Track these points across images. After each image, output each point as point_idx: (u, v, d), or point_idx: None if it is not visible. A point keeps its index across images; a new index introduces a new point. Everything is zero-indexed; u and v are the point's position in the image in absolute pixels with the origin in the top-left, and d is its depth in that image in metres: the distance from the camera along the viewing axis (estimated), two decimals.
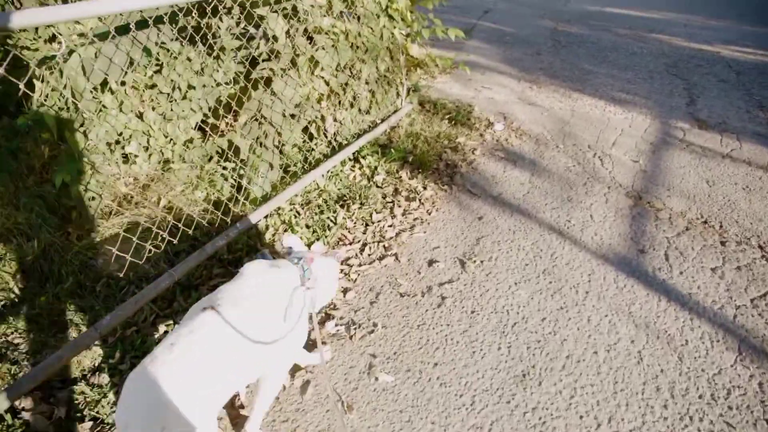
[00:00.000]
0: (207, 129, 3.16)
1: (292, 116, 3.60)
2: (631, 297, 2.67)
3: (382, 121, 4.21)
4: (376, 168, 3.68)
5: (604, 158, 4.02)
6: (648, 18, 9.04)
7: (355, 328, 2.48)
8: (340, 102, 3.97)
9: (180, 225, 2.73)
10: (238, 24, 3.40)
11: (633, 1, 10.67)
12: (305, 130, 3.73)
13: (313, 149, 3.65)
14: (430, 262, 2.92)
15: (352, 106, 4.07)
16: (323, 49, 3.60)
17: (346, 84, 3.93)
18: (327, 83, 3.77)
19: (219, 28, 3.28)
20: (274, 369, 1.84)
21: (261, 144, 3.28)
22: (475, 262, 2.91)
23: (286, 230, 3.10)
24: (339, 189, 3.46)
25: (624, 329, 2.47)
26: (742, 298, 2.68)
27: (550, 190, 3.59)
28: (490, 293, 2.70)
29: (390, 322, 2.52)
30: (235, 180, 3.27)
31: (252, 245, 3.00)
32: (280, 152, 3.55)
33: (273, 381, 1.87)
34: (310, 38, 3.62)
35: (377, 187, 3.52)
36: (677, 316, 2.55)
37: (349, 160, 3.78)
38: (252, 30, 3.34)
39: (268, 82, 3.32)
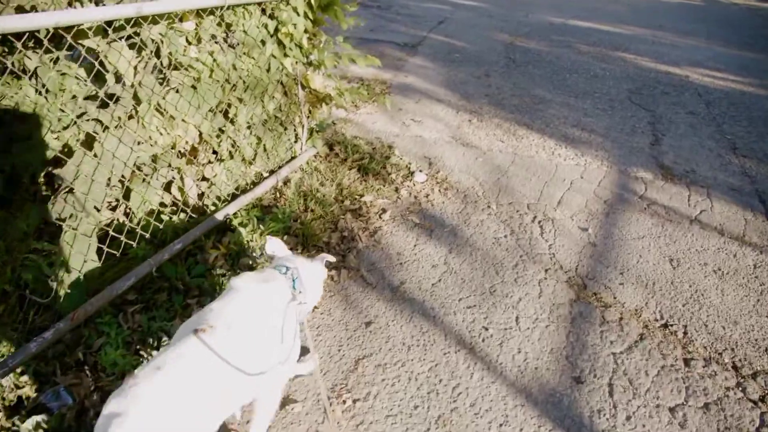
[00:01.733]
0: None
1: (143, 174, 2.74)
2: None
3: (271, 173, 3.36)
4: (248, 244, 2.83)
5: (545, 224, 3.22)
6: (614, 33, 8.34)
7: None
8: (216, 153, 3.11)
9: None
10: (76, 60, 2.52)
11: (600, 14, 9.99)
12: (167, 188, 2.87)
13: (161, 221, 2.78)
14: (284, 403, 2.08)
15: (232, 157, 3.21)
16: (176, 91, 2.74)
17: (221, 130, 3.08)
18: (199, 130, 2.92)
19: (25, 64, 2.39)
20: (267, 391, 1.74)
21: (72, 225, 2.40)
22: (345, 402, 2.07)
23: (100, 349, 2.24)
24: (191, 279, 2.60)
25: None
26: None
27: (470, 277, 2.77)
28: None
29: None
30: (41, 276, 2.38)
31: (46, 374, 2.14)
32: (127, 222, 2.67)
33: (268, 402, 1.77)
34: (165, 76, 2.77)
35: None
36: None
37: (218, 231, 2.92)
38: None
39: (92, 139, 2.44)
